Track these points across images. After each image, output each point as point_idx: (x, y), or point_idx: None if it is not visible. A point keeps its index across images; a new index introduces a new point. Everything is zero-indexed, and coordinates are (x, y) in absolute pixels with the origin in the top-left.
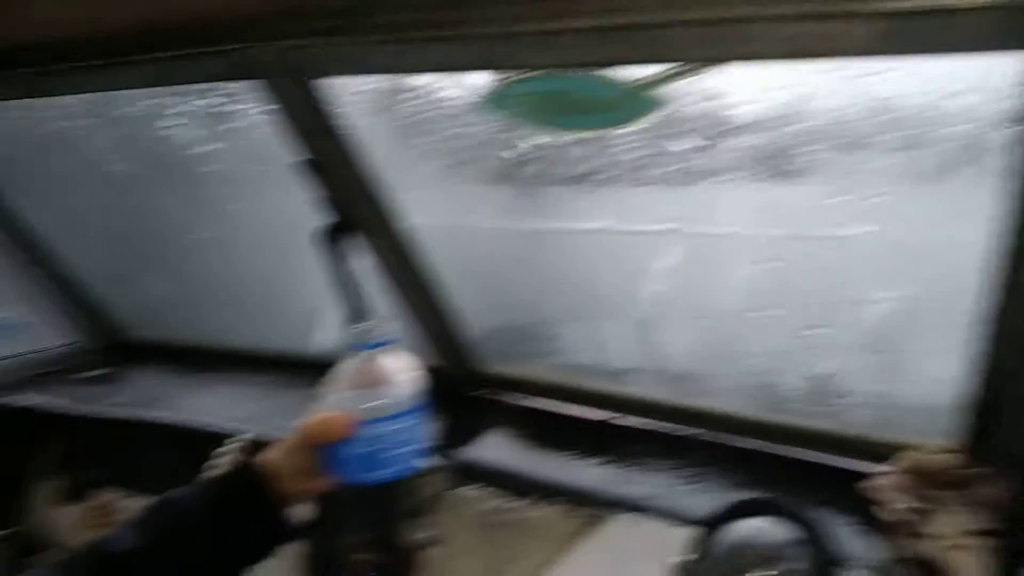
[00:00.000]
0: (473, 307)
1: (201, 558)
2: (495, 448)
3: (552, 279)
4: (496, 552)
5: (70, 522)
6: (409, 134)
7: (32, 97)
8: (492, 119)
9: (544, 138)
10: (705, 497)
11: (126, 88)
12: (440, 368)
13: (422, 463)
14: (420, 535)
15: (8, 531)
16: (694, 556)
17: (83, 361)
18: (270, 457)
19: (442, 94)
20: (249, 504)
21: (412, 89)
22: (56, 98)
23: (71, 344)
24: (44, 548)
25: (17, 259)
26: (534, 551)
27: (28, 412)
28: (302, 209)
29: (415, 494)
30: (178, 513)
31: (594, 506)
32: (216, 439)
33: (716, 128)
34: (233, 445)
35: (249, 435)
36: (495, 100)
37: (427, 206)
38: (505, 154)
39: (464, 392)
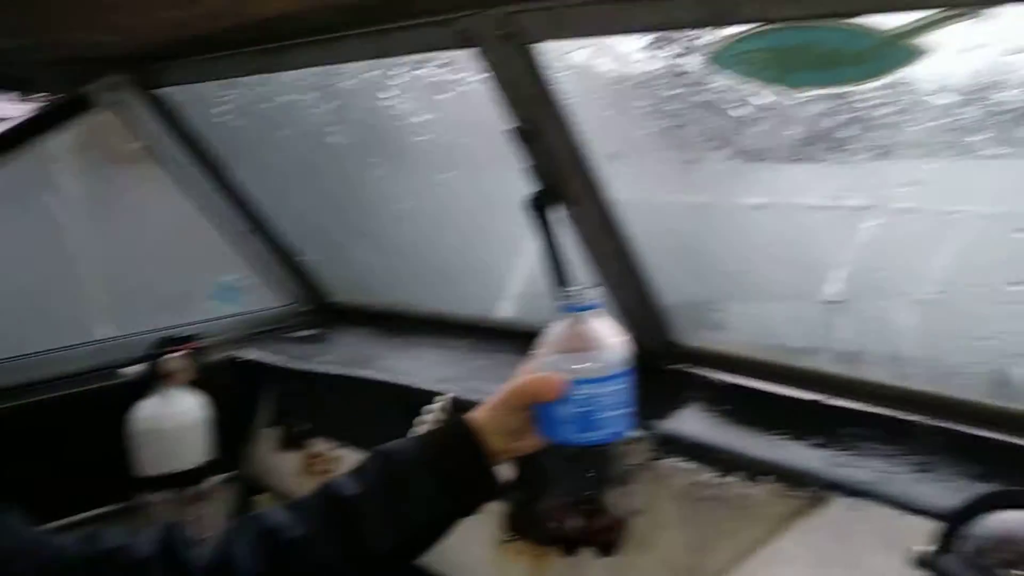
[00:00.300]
0: (672, 281)
1: (416, 507)
2: (695, 422)
3: (755, 254)
4: (702, 527)
5: (286, 468)
6: (623, 100)
7: (257, 74)
8: (716, 79)
9: (771, 97)
10: (934, 486)
11: (347, 61)
12: (637, 340)
13: (628, 429)
14: (624, 503)
15: (234, 472)
16: (937, 549)
17: (296, 322)
18: (480, 415)
19: (660, 56)
20: (461, 458)
21: (625, 53)
22: (280, 74)
23: (286, 306)
24: (264, 490)
25: (241, 227)
26: (744, 529)
27: (251, 365)
28: (506, 178)
29: (621, 460)
30: (395, 463)
31: (810, 487)
32: (419, 397)
33: (978, 86)
34: (438, 404)
35: (451, 395)
36: (723, 58)
37: (633, 177)
38: (723, 118)
39: (660, 365)
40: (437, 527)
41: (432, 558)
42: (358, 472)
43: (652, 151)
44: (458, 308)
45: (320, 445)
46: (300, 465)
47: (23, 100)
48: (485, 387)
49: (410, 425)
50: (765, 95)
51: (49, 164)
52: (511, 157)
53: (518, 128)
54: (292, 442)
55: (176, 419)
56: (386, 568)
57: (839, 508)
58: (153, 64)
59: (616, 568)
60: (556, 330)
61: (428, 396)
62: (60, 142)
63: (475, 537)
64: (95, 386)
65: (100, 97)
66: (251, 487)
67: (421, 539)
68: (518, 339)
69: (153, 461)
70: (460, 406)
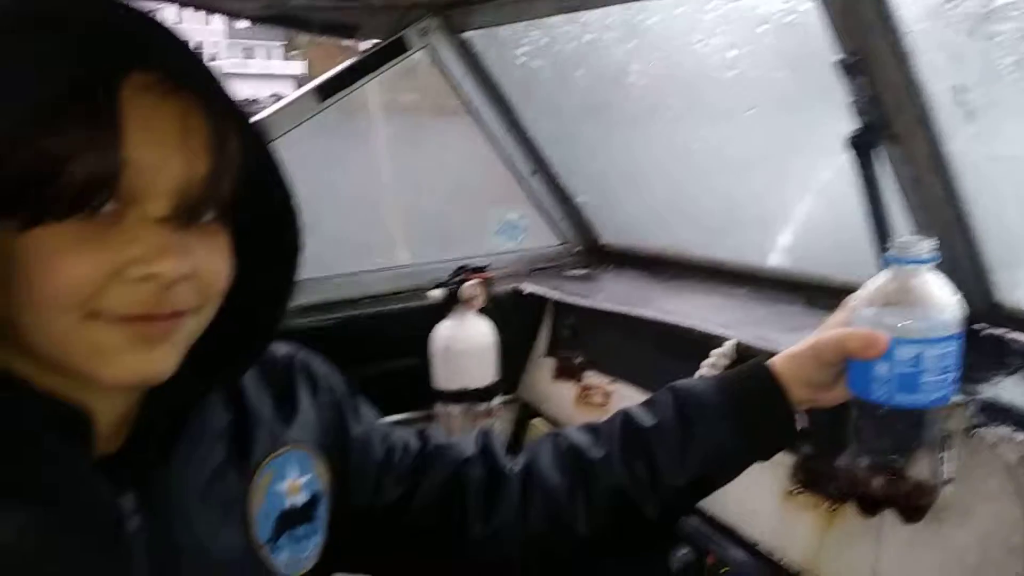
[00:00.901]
0: (1004, 235)
1: (710, 446)
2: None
3: None
4: None
5: (561, 396)
6: (971, 31)
7: (563, 13)
8: None
9: None
10: None
11: None
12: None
13: (951, 395)
14: (936, 470)
15: (514, 396)
16: None
17: (570, 261)
18: (782, 362)
19: None
20: (760, 402)
21: None
22: (583, 13)
23: (561, 245)
24: (539, 415)
25: (525, 167)
26: None
27: (533, 298)
28: (810, 117)
29: (937, 425)
30: (692, 401)
31: None
32: (700, 340)
33: None
34: (724, 348)
35: (736, 340)
36: None
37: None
38: None
39: (983, 327)
40: (729, 468)
41: (716, 505)
42: (655, 406)
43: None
44: (733, 256)
45: (595, 378)
46: (574, 395)
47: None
48: (770, 336)
49: (687, 367)
50: None
51: (364, 104)
52: (823, 94)
53: (846, 60)
54: (568, 373)
55: (469, 341)
56: (674, 502)
57: None
58: (464, 7)
59: (922, 537)
60: (878, 283)
61: (710, 340)
62: (374, 85)
63: (762, 486)
64: (401, 306)
65: (414, 41)
66: (528, 411)
67: (711, 478)
68: (800, 291)
69: (448, 377)
70: (746, 352)
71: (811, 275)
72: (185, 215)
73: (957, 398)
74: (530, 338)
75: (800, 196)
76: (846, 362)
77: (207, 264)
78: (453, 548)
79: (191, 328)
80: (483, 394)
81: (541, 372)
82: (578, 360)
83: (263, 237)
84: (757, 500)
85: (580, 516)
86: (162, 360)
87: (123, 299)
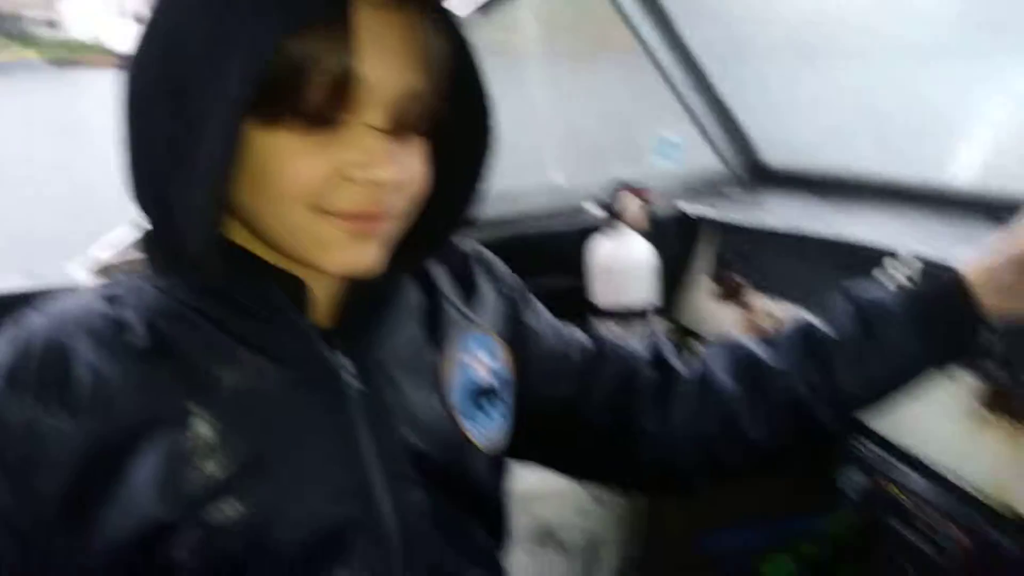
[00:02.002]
0: None
1: (892, 355)
2: None
3: None
4: None
5: (720, 318)
6: None
7: None
8: None
9: None
10: None
11: None
12: None
13: None
14: None
15: (671, 316)
16: None
17: (732, 182)
18: (973, 267)
19: None
20: (944, 305)
21: None
22: None
23: (722, 165)
24: (696, 336)
25: (686, 84)
26: None
27: (692, 218)
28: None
29: None
30: (873, 309)
31: None
32: (872, 258)
33: None
34: (904, 257)
35: (915, 254)
36: None
37: None
38: None
39: None
40: (908, 374)
41: (892, 427)
42: (834, 315)
43: None
44: (914, 174)
45: (757, 299)
46: (734, 317)
47: None
48: (950, 252)
49: None
50: None
51: (517, 19)
52: None
53: None
54: (728, 294)
55: (628, 259)
56: (849, 410)
57: None
58: None
59: None
60: None
61: (882, 256)
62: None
63: (945, 406)
64: (559, 225)
65: None
66: (685, 332)
67: (890, 387)
68: (982, 209)
69: (606, 294)
70: (928, 266)
71: (1002, 194)
72: (400, 126)
73: None
74: (689, 259)
75: (991, 106)
76: None
77: (414, 172)
78: (625, 446)
79: (396, 228)
80: (641, 313)
81: (700, 293)
82: (741, 281)
83: (461, 142)
84: (939, 424)
85: (753, 421)
86: (373, 255)
87: (344, 198)
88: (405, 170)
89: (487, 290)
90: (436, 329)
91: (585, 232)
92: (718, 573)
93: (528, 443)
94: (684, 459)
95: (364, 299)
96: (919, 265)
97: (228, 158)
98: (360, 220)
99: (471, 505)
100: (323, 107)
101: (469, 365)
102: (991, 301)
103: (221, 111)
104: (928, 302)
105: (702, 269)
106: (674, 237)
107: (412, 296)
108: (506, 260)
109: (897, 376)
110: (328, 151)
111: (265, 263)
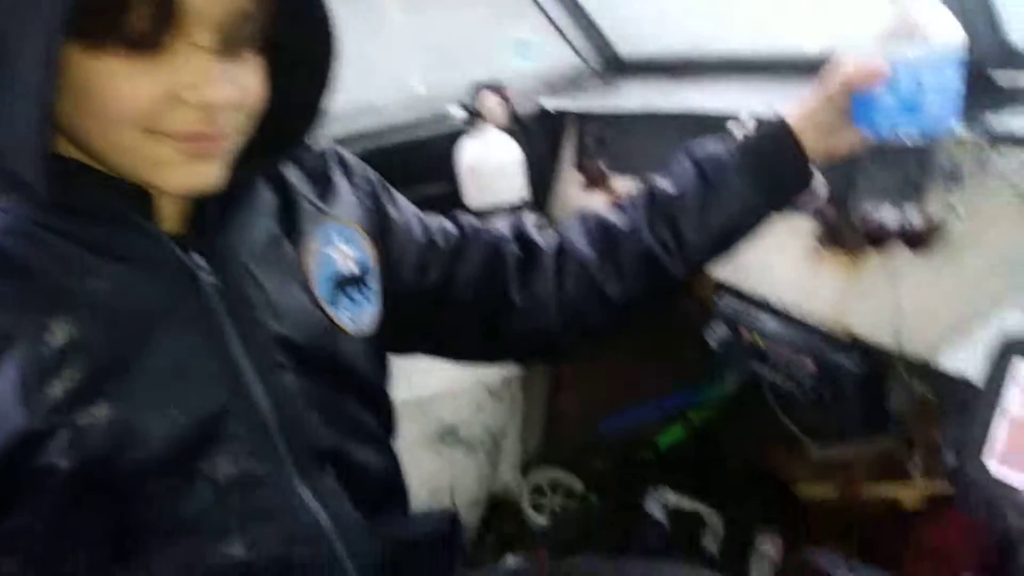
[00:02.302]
0: None
1: (731, 201)
2: None
3: None
4: None
5: (592, 206)
6: None
7: None
8: None
9: None
10: None
11: None
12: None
13: (954, 124)
14: (947, 204)
15: (544, 211)
16: None
17: (589, 75)
18: (794, 111)
19: None
20: (775, 151)
21: None
22: None
23: (578, 61)
24: None
25: None
26: None
27: (552, 113)
28: None
29: (944, 159)
30: (710, 161)
31: None
32: (715, 124)
33: None
34: (745, 117)
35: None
36: None
37: None
38: None
39: (992, 68)
40: (748, 219)
41: (746, 280)
42: (676, 173)
43: None
44: (767, 47)
45: (623, 183)
46: (602, 203)
47: None
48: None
49: None
50: None
51: None
52: None
53: None
54: (594, 182)
55: (495, 157)
56: (698, 260)
57: None
58: None
59: (938, 270)
60: (882, 19)
61: (726, 121)
62: None
63: (787, 253)
64: (425, 134)
65: None
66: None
67: (734, 233)
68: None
69: (478, 196)
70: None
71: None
72: (231, 45)
73: (964, 132)
74: (555, 153)
75: None
76: (853, 99)
77: (249, 90)
78: (497, 322)
79: (235, 145)
80: (513, 210)
81: (568, 185)
82: (604, 168)
83: (299, 54)
84: (783, 268)
85: (610, 281)
86: (212, 174)
87: (177, 119)
88: (239, 89)
89: (343, 185)
90: (292, 224)
91: (451, 137)
92: (618, 453)
93: (407, 332)
94: (554, 325)
95: (213, 204)
96: (755, 123)
97: (49, 82)
98: (195, 141)
99: (350, 388)
100: (146, 29)
101: (330, 256)
102: (813, 142)
103: (37, 35)
104: (758, 149)
105: (568, 161)
106: (539, 133)
107: (265, 195)
108: (379, 173)
109: (737, 222)
110: (156, 73)
111: (107, 175)
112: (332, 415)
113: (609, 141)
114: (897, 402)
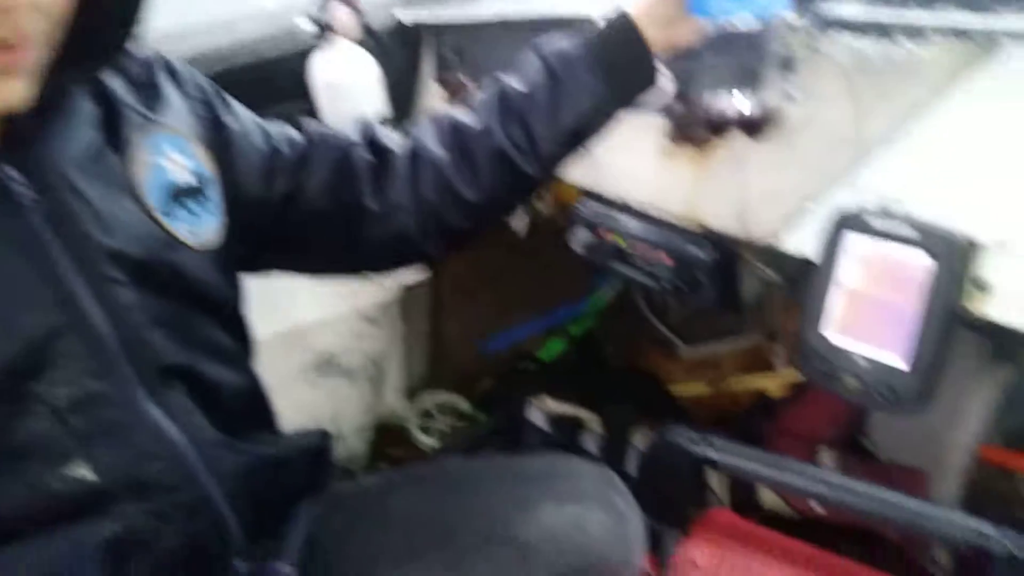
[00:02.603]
0: None
1: (580, 97)
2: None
3: None
4: (863, 97)
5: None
6: None
7: None
8: None
9: None
10: None
11: None
12: None
13: (785, 10)
14: (782, 90)
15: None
16: None
17: None
18: (634, 7)
19: None
20: (620, 45)
21: None
22: None
23: None
24: None
25: None
26: (907, 91)
27: (407, 26)
28: None
29: (777, 45)
30: (557, 57)
31: (976, 41)
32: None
33: None
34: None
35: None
36: None
37: None
38: None
39: None
40: (597, 114)
41: (604, 182)
42: (525, 70)
43: None
44: None
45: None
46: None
47: None
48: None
49: None
50: None
51: None
52: None
53: None
54: (454, 93)
55: (350, 72)
56: (552, 157)
57: (1011, 59)
58: None
59: (779, 154)
60: None
61: (579, 22)
62: None
63: (642, 152)
64: (277, 52)
65: None
66: None
67: (585, 129)
68: None
69: (336, 114)
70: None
71: None
72: None
73: (796, 18)
74: (414, 67)
75: None
76: None
77: None
78: (354, 231)
79: (42, 57)
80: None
81: (429, 100)
82: (463, 79)
83: None
84: (638, 167)
85: (466, 182)
86: (19, 90)
87: None
88: None
89: (172, 94)
90: (117, 135)
91: (304, 53)
92: (501, 370)
93: (261, 247)
94: (412, 229)
95: (26, 117)
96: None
97: None
98: None
99: (198, 305)
100: None
101: (162, 166)
102: (654, 35)
103: None
104: (605, 44)
105: (427, 75)
106: (396, 47)
107: (85, 106)
108: (230, 93)
109: (588, 119)
110: None
111: None
112: (179, 332)
113: (468, 52)
114: (749, 287)
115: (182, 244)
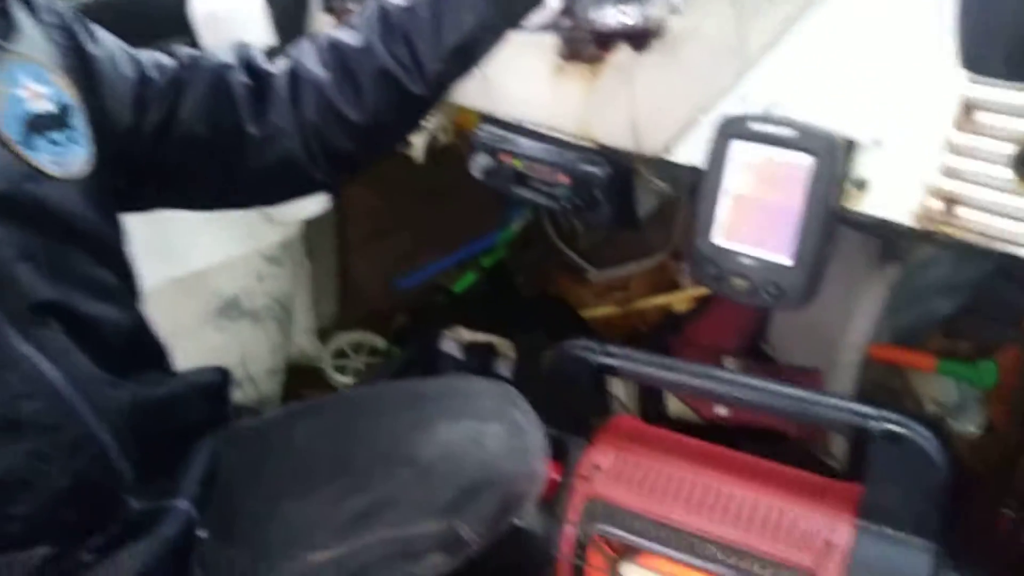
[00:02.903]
0: None
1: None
2: None
3: None
4: (745, 5)
5: None
6: None
7: None
8: None
9: None
10: None
11: None
12: None
13: None
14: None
15: None
16: None
17: None
18: None
19: None
20: None
21: None
22: None
23: None
24: None
25: None
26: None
27: None
28: None
29: None
30: None
31: None
32: None
33: None
34: None
35: None
36: None
37: None
38: None
39: None
40: (486, 37)
41: (500, 106)
42: None
43: None
44: None
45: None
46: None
47: None
48: None
49: None
50: None
51: None
52: None
53: None
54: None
55: (232, 2)
56: (437, 76)
57: None
58: None
59: (666, 67)
60: None
61: None
62: None
63: (536, 73)
64: None
65: None
66: None
67: (470, 48)
68: None
69: (218, 44)
70: None
71: None
72: None
73: None
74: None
75: None
76: None
77: None
78: (235, 159)
79: None
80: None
81: (319, 29)
82: (351, 6)
83: None
84: (532, 88)
85: (349, 103)
86: None
87: None
88: None
89: (26, 21)
90: None
91: None
92: (415, 306)
93: (140, 179)
94: (298, 153)
95: None
96: None
97: None
98: None
99: (71, 239)
100: None
101: (18, 95)
102: None
103: None
104: None
105: (315, 3)
106: None
107: None
108: (110, 31)
109: (475, 37)
110: None
111: None
112: (49, 267)
113: None
114: (646, 203)
115: (45, 175)
